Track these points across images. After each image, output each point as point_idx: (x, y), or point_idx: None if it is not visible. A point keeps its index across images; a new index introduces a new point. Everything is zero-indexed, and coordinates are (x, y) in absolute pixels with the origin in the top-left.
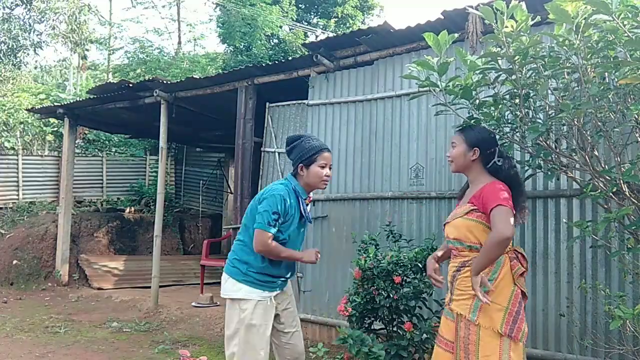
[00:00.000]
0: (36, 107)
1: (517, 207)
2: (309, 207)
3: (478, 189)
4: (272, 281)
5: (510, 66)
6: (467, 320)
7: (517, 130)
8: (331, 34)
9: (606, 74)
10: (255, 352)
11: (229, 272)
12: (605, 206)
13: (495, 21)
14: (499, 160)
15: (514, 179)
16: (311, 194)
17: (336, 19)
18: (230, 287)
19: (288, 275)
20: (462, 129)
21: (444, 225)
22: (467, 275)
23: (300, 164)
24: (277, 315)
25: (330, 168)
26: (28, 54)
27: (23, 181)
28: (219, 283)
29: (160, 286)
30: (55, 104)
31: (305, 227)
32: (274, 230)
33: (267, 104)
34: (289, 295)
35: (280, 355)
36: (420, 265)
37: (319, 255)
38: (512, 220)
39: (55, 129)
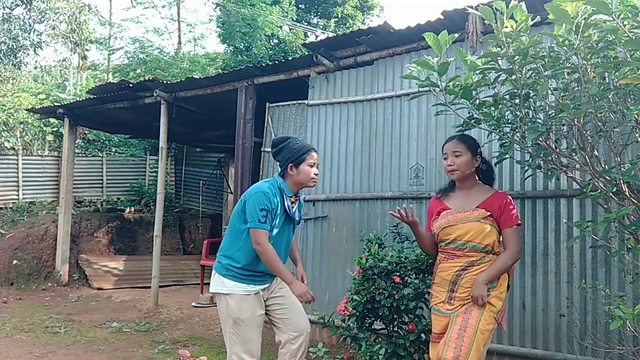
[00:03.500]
0: (36, 107)
1: None
2: (295, 207)
3: (486, 196)
4: (257, 275)
5: (510, 66)
6: (470, 305)
7: (517, 130)
8: (331, 34)
9: (606, 74)
10: (246, 342)
11: (215, 268)
12: (605, 206)
13: (495, 21)
14: (484, 165)
15: (491, 182)
16: (300, 194)
17: (336, 19)
18: (215, 282)
19: (265, 269)
20: (458, 137)
21: (445, 227)
22: (475, 274)
23: (290, 164)
24: (267, 301)
25: (317, 167)
26: (28, 54)
27: (23, 181)
28: None
29: (160, 286)
30: (55, 104)
31: (292, 227)
32: (266, 226)
33: (267, 104)
34: (279, 281)
35: (284, 333)
36: (422, 267)
37: (311, 297)
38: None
39: (55, 129)
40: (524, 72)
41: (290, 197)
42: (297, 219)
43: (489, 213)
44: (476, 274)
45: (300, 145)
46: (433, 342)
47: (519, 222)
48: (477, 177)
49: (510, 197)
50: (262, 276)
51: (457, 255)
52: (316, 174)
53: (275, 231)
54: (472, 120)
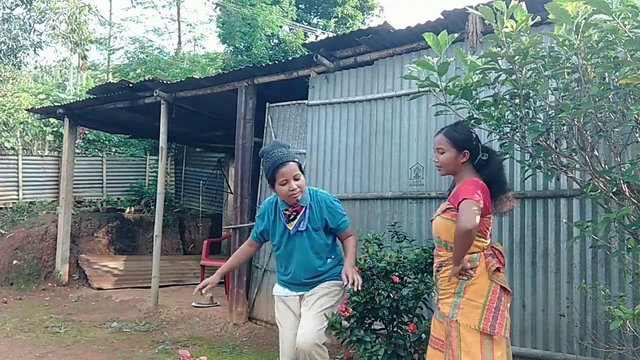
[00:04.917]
0: (36, 107)
1: (496, 198)
2: (298, 217)
3: (459, 187)
4: (290, 283)
5: (510, 66)
6: (449, 319)
7: (517, 130)
8: (331, 34)
9: (606, 74)
10: (280, 341)
11: None
12: (605, 206)
13: (495, 21)
14: (484, 155)
15: (496, 172)
16: (305, 203)
17: (336, 19)
18: None
19: (290, 280)
20: (445, 131)
21: (431, 221)
22: (445, 275)
23: (269, 184)
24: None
25: (296, 179)
26: (28, 54)
27: (23, 181)
28: (219, 283)
29: (160, 286)
30: (55, 104)
31: (306, 237)
32: (254, 234)
33: (267, 104)
34: (314, 294)
35: None
36: (421, 267)
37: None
38: (475, 211)
39: (55, 129)
40: (524, 72)
41: (286, 210)
42: (300, 229)
43: (450, 206)
44: (446, 275)
45: (270, 163)
46: (429, 345)
47: (470, 197)
48: (473, 169)
49: (472, 180)
50: (293, 283)
51: (435, 253)
52: (292, 190)
53: (281, 247)
54: (472, 120)
